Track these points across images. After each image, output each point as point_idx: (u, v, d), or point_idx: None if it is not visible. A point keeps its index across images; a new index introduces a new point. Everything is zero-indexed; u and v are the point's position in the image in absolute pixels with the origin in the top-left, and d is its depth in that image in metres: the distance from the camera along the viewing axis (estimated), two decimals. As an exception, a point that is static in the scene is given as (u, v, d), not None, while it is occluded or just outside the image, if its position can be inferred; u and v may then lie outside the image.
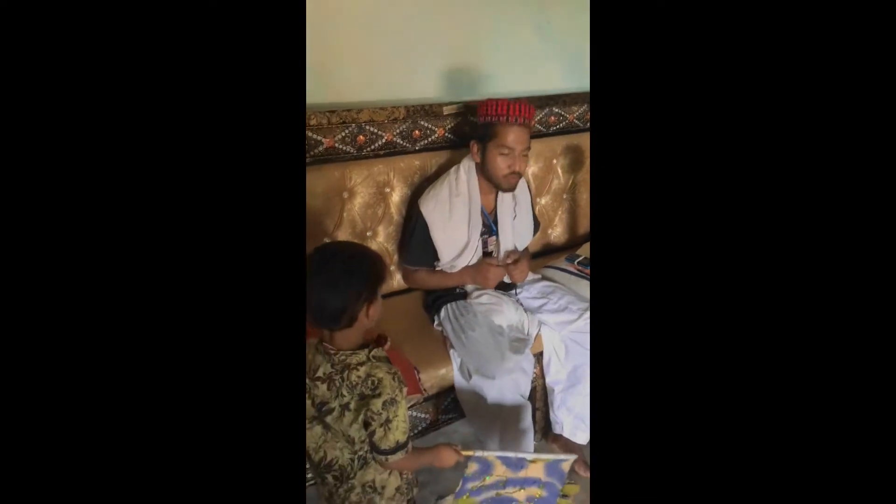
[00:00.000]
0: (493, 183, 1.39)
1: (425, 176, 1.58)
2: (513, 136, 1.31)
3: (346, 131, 1.46)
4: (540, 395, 1.51)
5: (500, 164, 1.34)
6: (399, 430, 0.83)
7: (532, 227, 1.57)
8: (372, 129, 1.49)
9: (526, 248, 1.55)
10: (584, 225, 2.05)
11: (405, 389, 0.84)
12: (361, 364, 0.84)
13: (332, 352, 0.86)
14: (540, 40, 1.79)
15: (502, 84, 1.75)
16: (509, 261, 1.39)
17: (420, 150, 1.59)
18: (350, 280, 0.81)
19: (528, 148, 1.36)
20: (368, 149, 1.51)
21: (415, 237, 1.41)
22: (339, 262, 0.83)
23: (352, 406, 0.83)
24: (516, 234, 1.48)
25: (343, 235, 1.50)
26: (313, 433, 0.87)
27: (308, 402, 0.87)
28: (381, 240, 1.57)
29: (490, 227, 1.45)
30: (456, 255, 1.41)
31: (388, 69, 1.55)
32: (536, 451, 1.43)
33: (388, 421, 0.82)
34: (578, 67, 1.92)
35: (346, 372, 0.83)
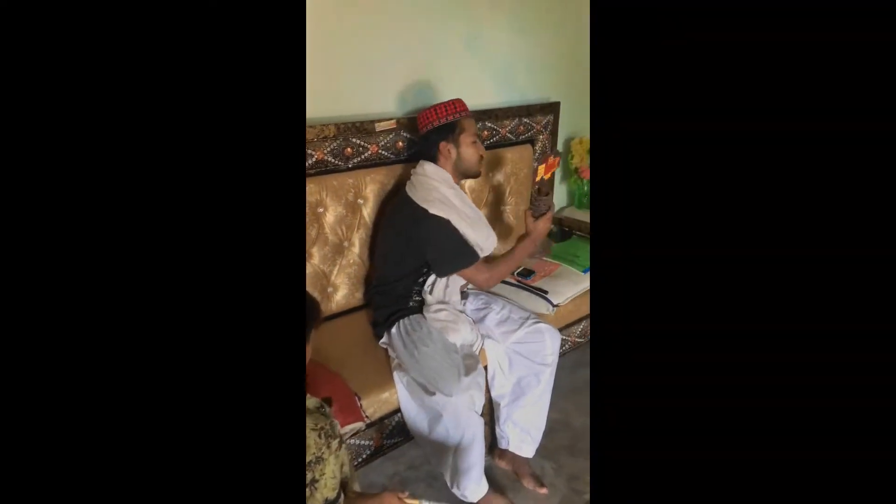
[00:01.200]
0: (470, 173, 1.47)
1: (359, 194, 1.55)
2: (474, 125, 1.45)
3: (274, 150, 1.39)
4: (486, 410, 1.50)
5: (475, 153, 1.44)
6: (327, 488, 0.79)
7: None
8: (301, 147, 1.44)
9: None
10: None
11: (334, 444, 0.79)
12: None
13: None
14: (470, 55, 1.81)
15: (435, 98, 1.75)
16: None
17: (353, 168, 1.55)
18: None
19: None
20: (298, 168, 1.45)
21: (451, 241, 1.35)
22: None
23: None
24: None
25: (275, 259, 1.43)
26: None
27: None
28: (316, 261, 1.52)
29: None
30: (486, 237, 1.44)
31: (316, 86, 1.50)
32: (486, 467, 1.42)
33: (313, 481, 0.77)
34: (508, 81, 1.96)
35: None
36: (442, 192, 1.39)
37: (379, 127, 1.56)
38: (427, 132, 1.40)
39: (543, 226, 1.41)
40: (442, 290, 1.42)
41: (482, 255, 1.42)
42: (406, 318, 1.37)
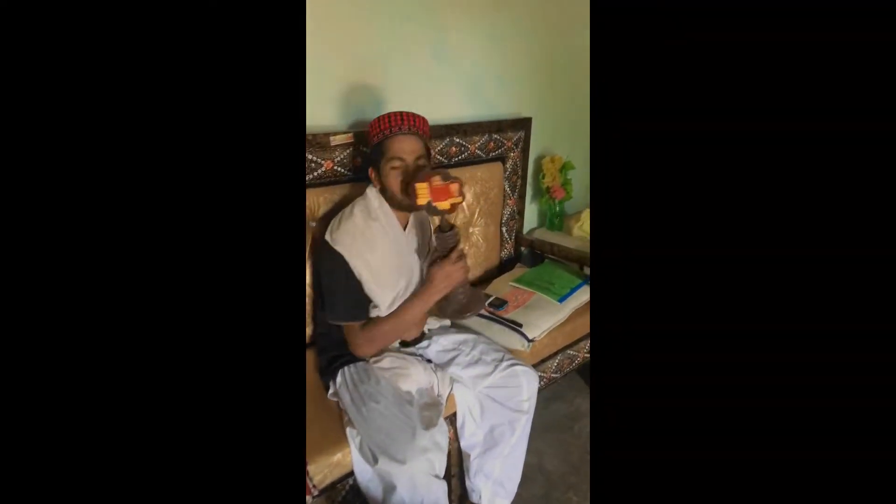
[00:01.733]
0: (396, 204, 1.18)
1: (313, 216, 1.36)
2: (400, 144, 1.15)
3: (209, 166, 1.19)
4: (455, 461, 1.33)
5: (394, 181, 1.15)
6: None
7: None
8: (242, 162, 1.24)
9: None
10: (492, 260, 1.94)
11: None
12: None
13: None
14: (437, 64, 1.66)
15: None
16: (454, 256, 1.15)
17: (306, 187, 1.37)
18: None
19: (425, 157, 1.18)
20: (239, 186, 1.25)
21: (341, 285, 1.14)
22: None
23: None
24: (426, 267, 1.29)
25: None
26: None
27: None
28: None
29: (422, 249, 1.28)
30: (395, 294, 1.19)
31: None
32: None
33: None
34: (478, 94, 1.82)
35: None
36: (359, 222, 1.16)
37: (334, 141, 1.38)
38: (370, 150, 1.22)
39: (452, 271, 1.12)
40: None
41: (376, 313, 1.18)
42: (351, 366, 1.19)
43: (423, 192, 1.07)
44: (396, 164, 1.15)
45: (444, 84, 1.71)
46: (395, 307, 1.18)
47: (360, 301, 1.16)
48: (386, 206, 1.20)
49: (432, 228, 1.27)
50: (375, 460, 1.03)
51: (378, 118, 1.17)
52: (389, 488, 1.03)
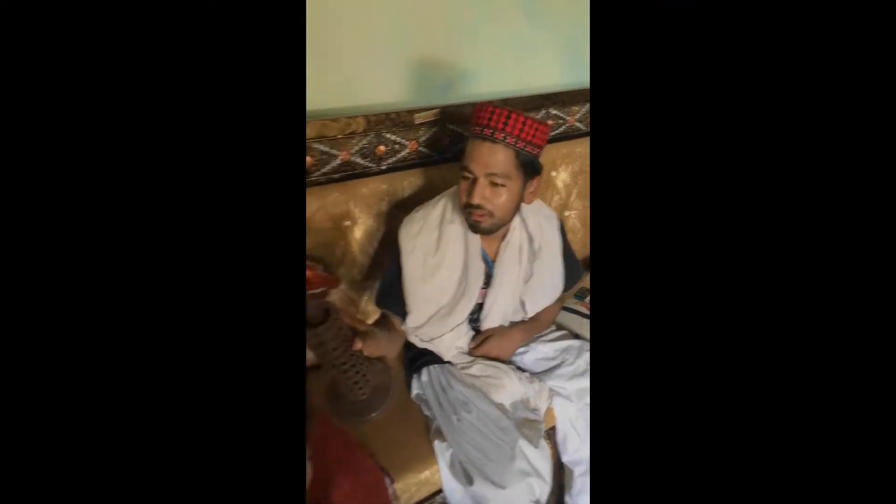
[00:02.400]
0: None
1: (395, 202, 1.25)
2: (479, 152, 0.92)
3: (288, 151, 1.11)
4: (553, 476, 1.19)
5: (461, 192, 0.97)
6: None
7: (562, 278, 1.18)
8: (321, 147, 1.15)
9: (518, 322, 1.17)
10: (589, 247, 1.73)
11: None
12: None
13: None
14: (531, 27, 1.46)
15: (486, 83, 1.42)
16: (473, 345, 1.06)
17: (387, 171, 1.25)
18: None
19: (507, 178, 0.93)
20: (318, 173, 1.17)
21: (386, 271, 1.08)
22: None
23: None
24: (530, 290, 1.12)
25: (292, 285, 1.15)
26: None
27: None
28: (344, 286, 1.23)
29: (489, 276, 1.09)
30: (434, 311, 1.06)
31: (343, 69, 1.20)
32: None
33: None
34: (577, 58, 1.59)
35: None
36: (434, 218, 1.03)
37: (418, 119, 1.25)
38: None
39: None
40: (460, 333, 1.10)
41: (405, 325, 1.06)
42: (436, 366, 1.08)
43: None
44: (466, 174, 0.95)
45: (539, 48, 1.50)
46: (429, 323, 1.06)
47: (394, 294, 1.07)
48: None
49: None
50: (470, 481, 0.91)
51: (480, 105, 0.95)
52: (484, 514, 0.90)
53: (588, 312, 1.33)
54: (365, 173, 1.23)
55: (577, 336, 1.23)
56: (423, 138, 1.28)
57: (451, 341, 1.09)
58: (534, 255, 1.10)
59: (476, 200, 0.94)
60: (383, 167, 1.25)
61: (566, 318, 1.32)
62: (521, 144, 0.92)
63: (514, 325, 1.16)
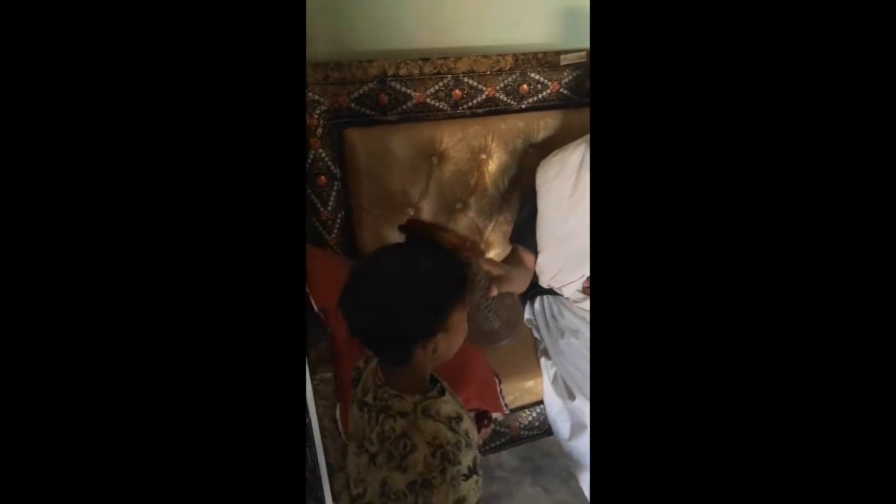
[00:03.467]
0: None
1: (530, 142, 1.31)
2: None
3: (441, 84, 1.22)
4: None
5: None
6: None
7: None
8: (471, 81, 1.24)
9: None
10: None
11: (452, 471, 0.59)
12: (403, 415, 0.63)
13: (379, 382, 0.66)
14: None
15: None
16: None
17: (526, 109, 1.32)
18: (421, 304, 0.59)
19: None
20: (465, 106, 1.27)
21: (523, 212, 1.16)
22: (408, 277, 0.60)
23: (377, 461, 0.64)
24: None
25: (429, 206, 1.30)
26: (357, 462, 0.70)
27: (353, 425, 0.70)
28: (472, 214, 1.35)
29: None
30: (567, 255, 1.11)
31: (495, 7, 1.26)
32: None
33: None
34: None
35: (383, 416, 0.64)
36: (574, 160, 1.07)
37: (565, 60, 1.28)
38: None
39: None
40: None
41: (537, 259, 1.11)
42: (549, 296, 1.16)
43: None
44: None
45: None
46: (564, 270, 1.11)
47: (529, 230, 1.13)
48: None
49: None
50: (572, 396, 1.01)
51: None
52: (579, 428, 1.01)
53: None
54: (506, 110, 1.30)
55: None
56: (566, 80, 1.31)
57: (577, 285, 1.16)
58: None
59: None
60: (524, 105, 1.31)
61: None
62: None
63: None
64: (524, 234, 1.15)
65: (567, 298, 1.18)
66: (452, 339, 0.64)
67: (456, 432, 0.62)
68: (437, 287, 0.61)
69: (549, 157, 1.13)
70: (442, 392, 0.67)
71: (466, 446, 0.62)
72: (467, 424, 0.66)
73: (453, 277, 0.62)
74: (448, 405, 0.65)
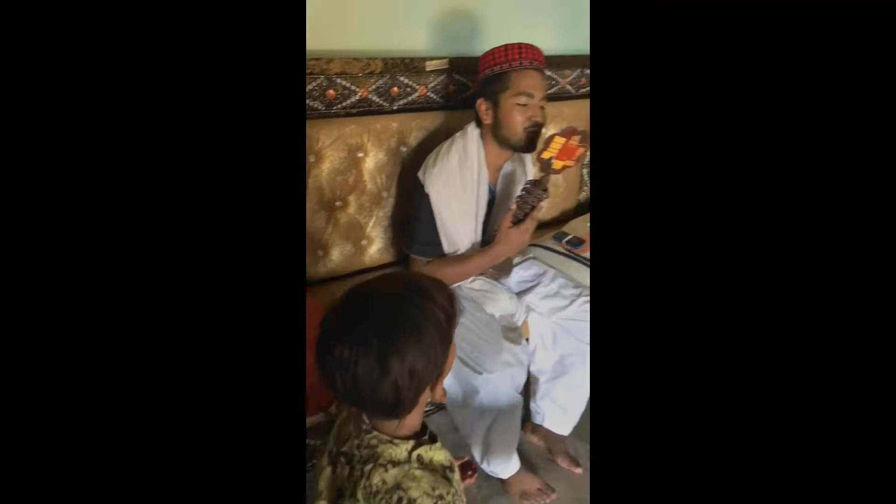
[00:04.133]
0: (512, 143, 1.16)
1: (403, 141, 1.40)
2: (529, 80, 1.12)
3: (315, 84, 1.25)
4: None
5: (519, 118, 1.13)
6: None
7: None
8: (344, 82, 1.29)
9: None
10: (570, 201, 1.92)
11: None
12: (396, 464, 0.56)
13: (365, 427, 0.59)
14: (535, -8, 1.60)
15: (491, 40, 1.56)
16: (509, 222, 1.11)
17: (398, 111, 1.40)
18: (419, 350, 0.53)
19: (545, 98, 1.17)
20: (339, 106, 1.31)
21: (421, 222, 1.18)
22: (401, 322, 0.53)
23: None
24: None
25: (308, 205, 1.31)
26: None
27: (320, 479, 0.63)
28: (352, 211, 1.40)
29: (491, 202, 1.28)
30: (465, 238, 1.22)
31: (366, 15, 1.33)
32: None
33: None
34: (573, 26, 1.75)
35: (370, 467, 0.56)
36: (454, 166, 1.16)
37: (430, 66, 1.39)
38: (479, 81, 1.19)
39: (522, 236, 1.08)
40: None
41: (447, 250, 1.20)
42: None
43: (555, 147, 1.07)
44: (523, 100, 1.11)
45: (540, 14, 1.65)
46: (454, 252, 1.21)
47: (432, 241, 1.20)
48: (482, 150, 1.19)
49: (525, 181, 1.21)
50: (463, 366, 1.11)
51: (499, 48, 1.13)
52: (471, 393, 1.12)
53: (563, 251, 1.53)
54: (379, 111, 1.38)
55: (551, 267, 1.43)
56: (431, 84, 1.42)
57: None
58: (524, 173, 1.30)
59: (540, 118, 1.14)
60: (395, 107, 1.40)
61: (543, 255, 1.52)
62: (541, 65, 1.15)
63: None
64: (430, 247, 1.20)
65: (465, 282, 1.28)
66: (448, 371, 0.60)
67: (451, 483, 0.57)
68: (433, 332, 0.55)
69: (431, 167, 1.19)
70: (434, 438, 0.61)
71: (461, 500, 0.57)
72: (457, 474, 0.62)
73: (445, 317, 0.57)
74: (441, 453, 0.60)
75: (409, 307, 0.55)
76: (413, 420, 0.60)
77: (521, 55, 1.11)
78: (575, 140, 1.09)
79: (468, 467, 0.80)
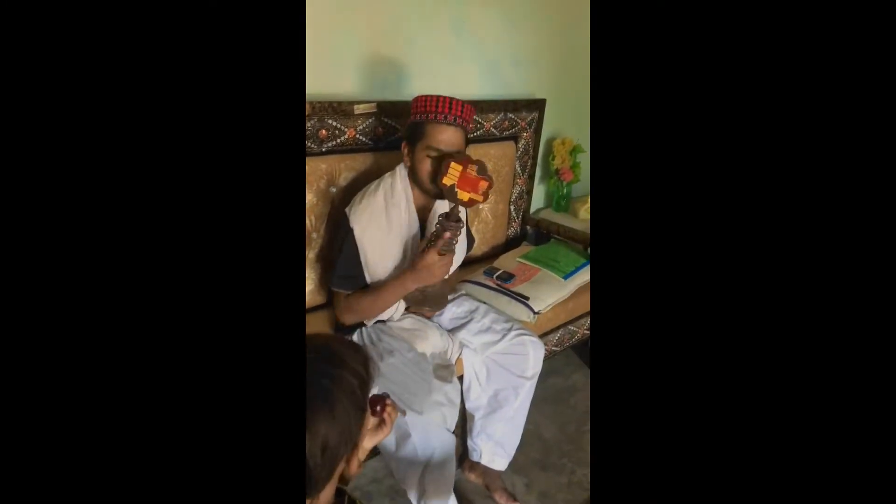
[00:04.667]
0: (424, 189, 1.19)
1: (332, 182, 1.41)
2: (444, 136, 1.13)
3: (239, 126, 1.23)
4: (458, 421, 1.41)
5: (429, 168, 1.15)
6: None
7: (465, 243, 1.41)
8: (270, 125, 1.28)
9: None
10: (499, 237, 1.99)
11: None
12: None
13: None
14: (458, 40, 1.69)
15: (419, 85, 1.63)
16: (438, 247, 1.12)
17: (326, 153, 1.41)
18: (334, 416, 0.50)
19: (462, 151, 1.17)
20: (266, 148, 1.29)
21: (343, 255, 1.19)
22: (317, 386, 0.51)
23: None
24: None
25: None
26: None
27: None
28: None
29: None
30: (385, 267, 1.22)
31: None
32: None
33: None
34: (495, 73, 1.86)
35: None
36: (380, 203, 1.19)
37: (358, 110, 1.42)
38: (407, 125, 1.22)
39: (437, 265, 1.09)
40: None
41: (369, 280, 1.21)
42: (369, 327, 1.25)
43: (453, 174, 1.10)
44: (432, 153, 1.14)
45: (464, 61, 1.74)
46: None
47: (353, 275, 1.20)
48: (409, 190, 1.21)
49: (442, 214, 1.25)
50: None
51: (425, 97, 1.14)
52: (403, 437, 1.10)
53: (493, 286, 1.58)
54: (308, 153, 1.37)
55: (483, 302, 1.46)
56: (360, 127, 1.45)
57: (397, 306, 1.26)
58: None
59: (445, 171, 1.12)
60: (324, 149, 1.40)
61: (475, 290, 1.56)
62: (466, 125, 1.16)
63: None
64: (352, 280, 1.19)
65: (385, 322, 1.27)
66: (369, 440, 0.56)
67: None
68: (346, 402, 0.52)
69: (357, 204, 1.20)
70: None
71: None
72: None
73: (360, 383, 0.55)
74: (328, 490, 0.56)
75: (319, 377, 0.52)
76: (327, 495, 0.56)
77: (441, 108, 1.12)
78: (473, 170, 1.11)
79: None
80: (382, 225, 1.19)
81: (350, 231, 1.18)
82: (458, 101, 1.14)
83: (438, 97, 1.13)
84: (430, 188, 1.18)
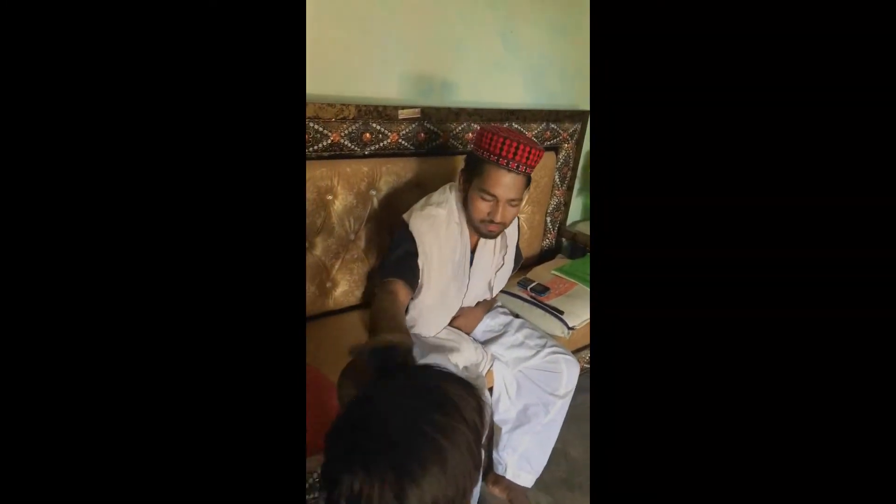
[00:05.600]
0: (472, 226, 1.15)
1: (372, 185, 1.41)
2: (500, 182, 1.05)
3: (286, 126, 1.25)
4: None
5: (479, 208, 1.09)
6: None
7: (513, 261, 1.38)
8: (317, 126, 1.30)
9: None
10: (534, 247, 1.97)
11: None
12: None
13: None
14: (505, 51, 1.68)
15: (464, 92, 1.63)
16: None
17: (369, 156, 1.42)
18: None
19: (520, 200, 1.10)
20: (311, 149, 1.31)
21: (400, 252, 1.13)
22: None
23: None
24: (498, 276, 1.32)
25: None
26: None
27: None
28: (318, 252, 1.38)
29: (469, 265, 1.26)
30: (438, 300, 1.21)
31: (343, 62, 1.36)
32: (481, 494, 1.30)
33: None
34: (540, 83, 1.84)
35: None
36: (442, 217, 1.15)
37: (402, 114, 1.42)
38: (468, 152, 1.16)
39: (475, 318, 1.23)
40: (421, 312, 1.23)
41: (414, 304, 1.17)
42: None
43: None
44: (487, 197, 1.07)
45: (509, 70, 1.73)
46: (433, 310, 1.21)
47: (411, 267, 1.13)
48: (463, 216, 1.17)
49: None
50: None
51: (492, 134, 1.04)
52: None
53: (528, 297, 1.55)
54: (350, 155, 1.39)
55: (516, 316, 1.44)
56: (403, 132, 1.45)
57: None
58: (505, 247, 1.31)
59: (499, 219, 1.09)
60: (366, 152, 1.41)
61: (508, 301, 1.54)
62: (529, 171, 1.08)
63: (478, 303, 1.35)
64: (401, 269, 1.13)
65: (420, 336, 1.26)
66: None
67: None
68: (459, 457, 0.47)
69: (420, 210, 1.17)
70: None
71: None
72: None
73: (475, 436, 0.49)
74: None
75: (432, 429, 0.46)
76: None
77: (506, 153, 1.02)
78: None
79: None
80: (439, 240, 1.16)
81: (411, 236, 1.14)
82: (525, 145, 1.02)
83: (506, 139, 1.01)
84: (477, 227, 1.14)
